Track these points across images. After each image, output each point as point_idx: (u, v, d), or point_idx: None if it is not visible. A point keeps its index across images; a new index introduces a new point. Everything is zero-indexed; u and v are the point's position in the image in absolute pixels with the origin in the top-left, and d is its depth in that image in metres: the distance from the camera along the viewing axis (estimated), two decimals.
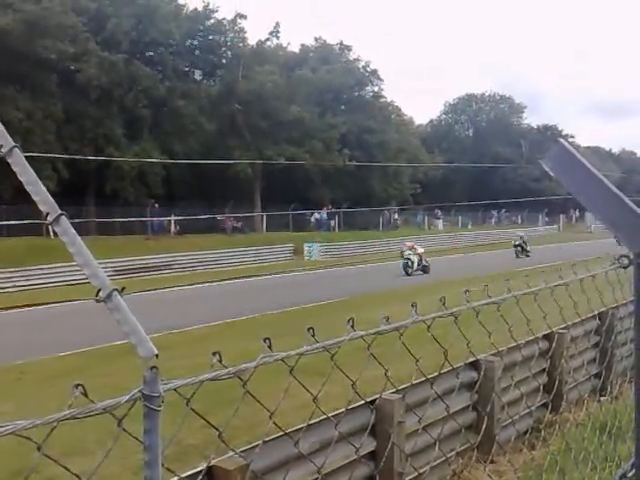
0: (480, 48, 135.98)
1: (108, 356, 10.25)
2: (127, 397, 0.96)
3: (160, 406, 0.99)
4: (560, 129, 71.77)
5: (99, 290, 1.00)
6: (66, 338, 12.43)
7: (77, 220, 26.15)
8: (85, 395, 0.93)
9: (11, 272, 23.70)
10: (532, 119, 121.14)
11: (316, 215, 43.45)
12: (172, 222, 35.63)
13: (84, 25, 34.87)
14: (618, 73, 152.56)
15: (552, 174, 2.14)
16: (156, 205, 36.57)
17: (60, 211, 1.05)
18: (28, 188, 1.07)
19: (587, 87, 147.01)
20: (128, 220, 32.88)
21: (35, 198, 1.06)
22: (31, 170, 1.08)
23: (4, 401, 7.85)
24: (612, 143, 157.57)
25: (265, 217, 40.93)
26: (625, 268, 2.47)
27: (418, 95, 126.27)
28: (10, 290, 22.63)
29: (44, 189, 1.07)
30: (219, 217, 36.90)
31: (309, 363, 1.74)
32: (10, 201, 28.29)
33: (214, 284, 23.46)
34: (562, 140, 2.19)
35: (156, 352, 0.98)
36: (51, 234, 27.05)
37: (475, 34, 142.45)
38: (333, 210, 44.56)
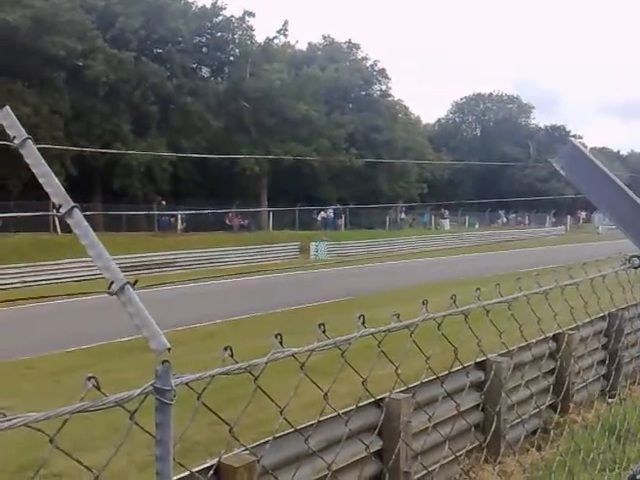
0: (493, 47, 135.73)
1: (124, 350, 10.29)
2: (139, 391, 0.95)
3: (172, 400, 0.98)
4: (568, 130, 71.54)
5: (111, 283, 0.99)
6: (74, 333, 12.51)
7: (85, 213, 26.19)
8: (98, 388, 0.93)
9: (19, 268, 23.78)
10: (545, 119, 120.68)
11: (323, 214, 43.40)
12: (179, 219, 35.68)
13: (93, 23, 34.99)
14: (634, 74, 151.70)
15: (563, 173, 2.12)
16: (163, 202, 36.71)
17: (73, 203, 1.04)
18: (41, 180, 1.06)
19: (602, 88, 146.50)
20: (134, 214, 32.87)
21: (48, 190, 1.06)
22: (44, 162, 1.07)
23: (16, 396, 7.92)
24: (622, 145, 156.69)
25: (272, 215, 40.95)
26: (636, 268, 2.45)
27: (426, 94, 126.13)
28: (18, 285, 22.70)
29: (57, 181, 1.07)
30: (225, 214, 36.92)
31: (317, 362, 1.73)
32: (18, 197, 28.49)
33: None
34: (573, 139, 2.17)
35: (169, 346, 0.97)
36: (58, 230, 27.11)
37: (488, 33, 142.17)
38: (340, 207, 44.48)
